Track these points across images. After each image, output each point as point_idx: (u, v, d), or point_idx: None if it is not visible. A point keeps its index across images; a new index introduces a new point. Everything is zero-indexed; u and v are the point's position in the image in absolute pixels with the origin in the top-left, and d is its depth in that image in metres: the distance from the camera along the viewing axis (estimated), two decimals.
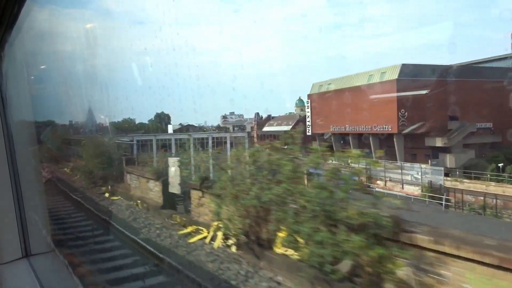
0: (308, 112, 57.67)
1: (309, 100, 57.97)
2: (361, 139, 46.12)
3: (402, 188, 30.69)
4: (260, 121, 77.98)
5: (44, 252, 2.53)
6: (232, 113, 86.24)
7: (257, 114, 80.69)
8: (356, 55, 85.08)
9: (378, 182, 31.04)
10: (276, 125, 71.52)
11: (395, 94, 39.12)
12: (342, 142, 51.37)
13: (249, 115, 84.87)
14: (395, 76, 39.94)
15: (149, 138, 44.89)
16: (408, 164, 32.27)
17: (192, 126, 75.02)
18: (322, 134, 55.86)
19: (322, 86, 55.27)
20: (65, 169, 26.81)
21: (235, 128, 75.59)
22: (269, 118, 79.29)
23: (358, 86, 45.50)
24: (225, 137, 46.58)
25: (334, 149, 48.60)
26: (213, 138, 46.31)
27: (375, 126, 42.27)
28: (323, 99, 52.39)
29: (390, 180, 31.65)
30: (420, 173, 30.35)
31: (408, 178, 30.44)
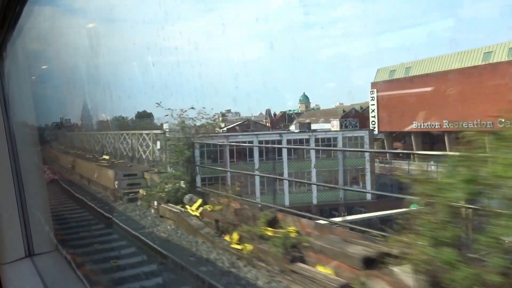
0: (372, 105, 45.55)
1: (373, 90, 45.34)
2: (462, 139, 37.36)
3: None
4: (274, 119, 70.37)
5: (47, 251, 2.56)
6: (228, 111, 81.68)
7: (268, 111, 72.33)
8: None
9: None
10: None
11: None
12: (424, 142, 41.04)
13: (245, 113, 79.99)
14: None
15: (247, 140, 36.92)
16: None
17: (256, 122, 65.34)
18: (392, 133, 45.08)
19: (395, 71, 43.49)
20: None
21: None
22: (285, 115, 71.42)
23: (465, 69, 34.57)
24: (335, 138, 38.32)
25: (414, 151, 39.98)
26: (317, 139, 37.66)
27: (502, 121, 33.83)
28: (399, 88, 40.80)
29: None
30: None
31: None
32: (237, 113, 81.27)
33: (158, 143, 20.07)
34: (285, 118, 70.02)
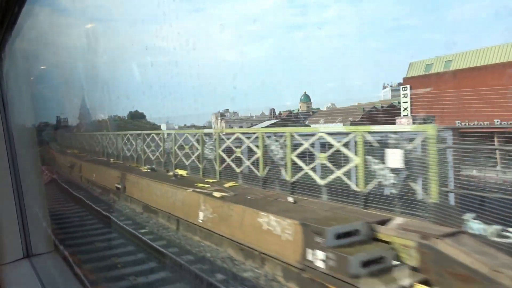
0: (404, 102, 40.64)
1: (406, 86, 40.86)
2: None
3: None
4: (279, 118, 68.06)
5: (45, 252, 2.55)
6: (226, 110, 78.28)
7: (273, 110, 69.97)
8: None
9: None
10: (324, 122, 58.76)
11: None
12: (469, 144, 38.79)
13: (243, 112, 77.40)
14: None
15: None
16: None
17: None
18: None
19: (432, 65, 39.46)
20: None
21: None
22: (291, 114, 69.69)
23: None
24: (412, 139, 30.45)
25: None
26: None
27: None
28: (439, 83, 35.23)
29: None
30: None
31: None
32: (235, 113, 78.79)
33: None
34: (292, 118, 67.09)
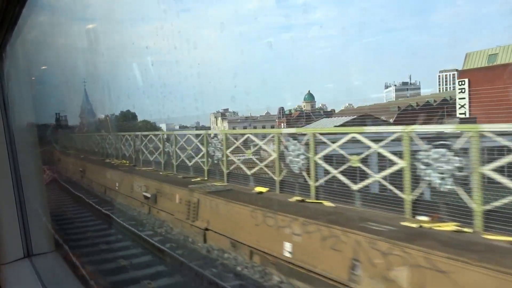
0: (461, 98, 35.73)
1: (463, 80, 35.83)
2: None
3: None
4: (291, 119, 61.59)
5: (46, 252, 2.55)
6: (226, 110, 75.15)
7: (282, 109, 64.81)
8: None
9: None
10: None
11: None
12: None
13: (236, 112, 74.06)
14: None
15: None
16: None
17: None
18: None
19: (498, 55, 34.24)
20: None
21: None
22: (302, 114, 64.29)
23: None
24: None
25: None
26: None
27: None
28: (509, 77, 31.23)
29: None
30: None
31: None
32: (235, 113, 75.86)
33: None
34: (304, 118, 60.43)
